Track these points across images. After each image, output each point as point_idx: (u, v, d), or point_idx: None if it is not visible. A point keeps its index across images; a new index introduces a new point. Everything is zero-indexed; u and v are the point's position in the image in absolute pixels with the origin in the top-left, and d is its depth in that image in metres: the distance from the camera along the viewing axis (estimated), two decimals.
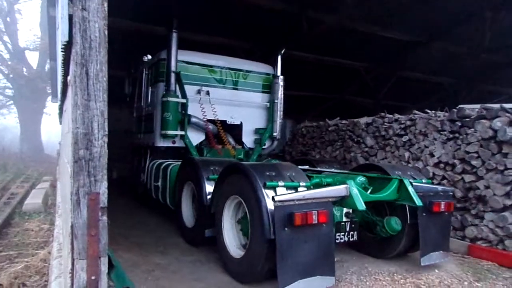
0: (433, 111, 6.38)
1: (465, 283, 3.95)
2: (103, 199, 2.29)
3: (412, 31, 10.05)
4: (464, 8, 8.90)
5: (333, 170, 5.20)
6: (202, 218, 4.62)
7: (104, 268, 2.27)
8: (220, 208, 4.11)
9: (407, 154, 6.41)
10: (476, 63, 12.37)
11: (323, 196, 3.38)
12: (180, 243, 5.07)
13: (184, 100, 6.43)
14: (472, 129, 5.39)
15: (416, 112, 6.71)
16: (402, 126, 6.65)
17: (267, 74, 7.51)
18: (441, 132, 5.89)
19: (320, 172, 4.89)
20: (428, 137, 6.10)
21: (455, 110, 5.80)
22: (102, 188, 2.30)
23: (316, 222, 3.21)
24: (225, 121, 6.99)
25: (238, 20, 8.82)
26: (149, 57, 7.39)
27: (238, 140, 7.25)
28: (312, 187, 3.64)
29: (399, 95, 14.61)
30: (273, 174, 3.61)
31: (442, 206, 4.05)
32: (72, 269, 2.25)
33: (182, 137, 6.53)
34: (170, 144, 6.67)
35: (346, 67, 12.50)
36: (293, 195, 3.26)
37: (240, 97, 7.16)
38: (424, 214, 4.03)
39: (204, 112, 6.67)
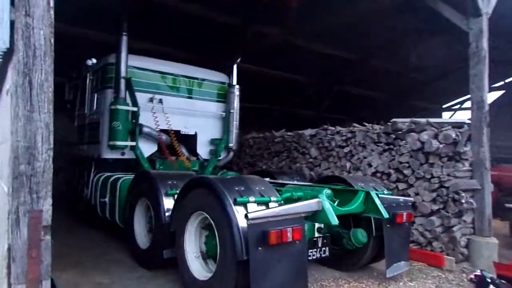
0: (371, 124, 6.86)
1: (400, 283, 4.28)
2: (47, 217, 2.17)
3: (350, 50, 11.24)
4: (394, 31, 10.04)
5: (296, 182, 5.12)
6: (159, 238, 4.25)
7: None
8: (182, 226, 3.80)
9: (348, 164, 6.83)
10: (405, 80, 14.37)
11: (296, 212, 3.25)
12: (123, 259, 4.81)
13: (135, 109, 5.99)
14: (404, 141, 5.90)
15: (356, 125, 7.16)
16: (344, 138, 7.07)
17: (222, 83, 7.31)
18: (378, 144, 6.38)
19: (284, 185, 4.77)
20: (366, 148, 6.57)
21: (389, 123, 6.29)
22: (46, 205, 2.18)
23: (290, 239, 3.06)
24: (179, 131, 6.65)
25: (184, 31, 8.95)
26: (94, 61, 6.83)
27: (193, 151, 6.93)
28: (282, 202, 3.49)
29: (338, 108, 15.82)
30: (242, 188, 3.41)
31: (405, 217, 4.13)
32: None
33: (133, 148, 6.06)
34: (119, 156, 6.16)
35: (290, 80, 13.29)
36: (267, 212, 3.09)
37: (194, 106, 6.87)
38: (388, 225, 4.08)
39: (157, 121, 6.27)
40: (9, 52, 2.21)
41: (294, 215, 3.23)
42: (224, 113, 7.15)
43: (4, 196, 2.35)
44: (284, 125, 9.81)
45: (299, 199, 3.64)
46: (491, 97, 17.84)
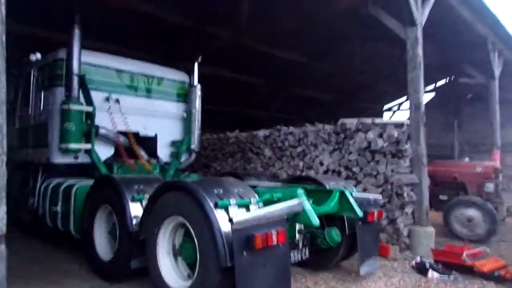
0: (322, 124, 7.18)
1: (353, 274, 4.50)
2: (1, 225, 2.08)
3: (298, 52, 11.89)
4: (339, 37, 10.95)
5: (266, 183, 5.04)
6: (125, 247, 3.95)
7: None
8: (154, 233, 3.55)
9: (301, 163, 7.12)
10: (350, 82, 15.57)
11: (279, 214, 3.17)
12: (75, 270, 4.61)
13: (90, 109, 5.54)
14: (352, 140, 6.26)
15: (308, 125, 7.45)
16: (296, 138, 7.34)
17: (182, 82, 7.03)
18: (328, 143, 6.73)
19: (254, 186, 4.67)
20: (318, 147, 6.89)
21: (338, 123, 6.70)
22: (0, 213, 2.08)
23: (275, 242, 2.97)
24: (138, 133, 6.28)
25: (137, 30, 8.70)
26: (39, 56, 6.23)
27: (153, 153, 6.58)
28: (262, 204, 3.39)
29: (288, 108, 16.73)
30: (221, 191, 3.26)
31: (376, 215, 4.23)
32: None
33: (88, 151, 5.60)
34: (71, 160, 5.65)
35: (243, 81, 13.78)
36: (252, 215, 2.97)
37: (154, 107, 6.53)
38: (360, 223, 4.15)
39: (114, 122, 5.86)
40: None
41: (277, 217, 3.16)
42: (185, 114, 6.88)
43: None
44: (237, 126, 9.90)
45: (278, 200, 3.56)
46: (424, 99, 19.78)
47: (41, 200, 5.69)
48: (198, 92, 6.94)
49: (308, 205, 3.42)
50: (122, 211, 3.96)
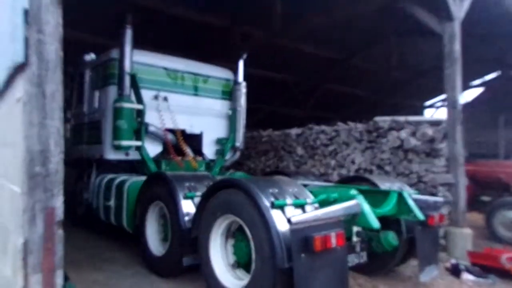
0: (354, 123, 7.15)
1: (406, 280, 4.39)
2: (59, 213, 2.40)
3: (334, 49, 11.75)
4: (375, 32, 10.74)
5: (317, 183, 4.91)
6: (177, 244, 3.99)
7: (59, 280, 2.36)
8: (206, 231, 3.54)
9: (333, 162, 7.19)
10: (387, 79, 15.08)
11: (337, 215, 3.04)
12: (118, 258, 4.92)
13: (140, 106, 5.67)
14: (385, 139, 6.25)
15: (340, 123, 7.46)
16: (328, 136, 7.40)
17: (227, 79, 7.04)
18: (361, 142, 6.71)
19: (305, 185, 4.56)
20: (350, 146, 6.92)
21: (371, 122, 6.70)
22: (58, 202, 2.41)
23: (334, 245, 2.85)
24: (184, 130, 6.36)
25: (175, 33, 9.33)
26: (93, 56, 6.49)
27: (198, 151, 6.65)
28: (318, 204, 3.28)
29: (324, 106, 16.41)
30: (276, 191, 3.19)
31: (437, 219, 3.97)
32: (25, 285, 2.27)
33: (138, 148, 5.74)
34: (123, 157, 5.83)
35: (277, 79, 13.71)
36: (310, 215, 2.87)
37: (200, 104, 6.59)
38: (419, 227, 3.91)
39: (163, 120, 5.97)
40: (22, 65, 2.42)
41: (335, 219, 3.03)
42: (230, 111, 6.89)
43: (13, 197, 2.55)
44: (271, 125, 9.91)
45: (334, 201, 3.43)
46: (471, 94, 18.59)
47: (95, 195, 5.90)
48: (243, 89, 6.93)
49: (367, 207, 3.27)
50: (174, 208, 4.00)
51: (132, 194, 4.94)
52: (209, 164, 6.63)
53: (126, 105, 5.54)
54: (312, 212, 2.95)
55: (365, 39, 11.29)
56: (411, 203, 3.75)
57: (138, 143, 5.66)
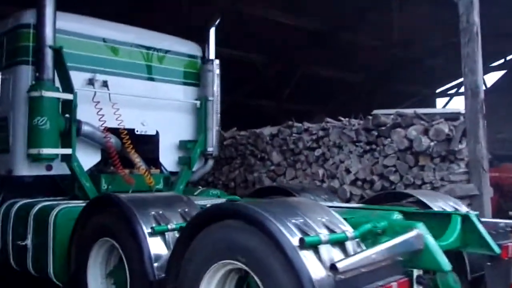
0: (347, 119, 7.30)
1: None
2: None
3: (317, 19, 11.64)
4: None
5: (336, 203, 4.72)
6: None
7: None
8: (192, 283, 3.21)
9: (321, 171, 7.31)
10: (387, 59, 15.07)
11: (392, 255, 2.85)
12: None
13: (70, 96, 5.24)
14: (389, 139, 6.35)
15: (329, 120, 7.58)
16: (314, 137, 7.49)
17: (193, 56, 6.79)
18: (357, 144, 6.85)
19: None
20: (343, 149, 7.03)
21: (370, 117, 6.77)
22: None
23: None
24: (133, 130, 6.01)
25: None
26: None
27: (153, 160, 6.31)
28: (359, 239, 3.05)
29: (304, 96, 16.17)
30: (301, 220, 2.92)
31: (511, 250, 3.87)
32: None
33: (66, 158, 5.30)
34: (43, 172, 5.37)
35: (240, 60, 13.09)
36: (359, 257, 2.64)
37: (155, 93, 6.30)
38: (489, 263, 3.79)
39: (101, 116, 5.56)
40: None
41: (391, 260, 2.84)
42: (198, 102, 6.60)
43: None
44: (234, 122, 9.71)
45: (383, 233, 3.22)
46: (490, 79, 19.06)
47: (2, 231, 5.39)
48: (216, 70, 6.70)
49: (432, 240, 3.08)
50: (135, 250, 3.65)
51: (63, 228, 4.56)
52: (169, 179, 6.38)
53: (48, 94, 5.09)
54: (362, 253, 2.71)
55: (359, 5, 11.21)
56: (482, 230, 3.62)
57: (67, 150, 5.25)
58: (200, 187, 6.93)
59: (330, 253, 2.80)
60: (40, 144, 5.06)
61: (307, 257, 2.70)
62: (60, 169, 5.42)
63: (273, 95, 15.40)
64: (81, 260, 4.22)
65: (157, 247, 3.65)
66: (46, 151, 5.08)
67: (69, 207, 4.79)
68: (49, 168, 5.38)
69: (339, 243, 2.91)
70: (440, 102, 21.87)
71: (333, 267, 2.52)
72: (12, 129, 5.38)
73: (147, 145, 6.24)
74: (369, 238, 3.15)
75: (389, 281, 2.68)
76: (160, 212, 3.87)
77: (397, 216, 3.70)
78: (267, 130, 8.51)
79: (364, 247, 2.96)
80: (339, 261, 2.58)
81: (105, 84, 5.75)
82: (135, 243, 3.66)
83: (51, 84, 5.16)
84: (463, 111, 6.28)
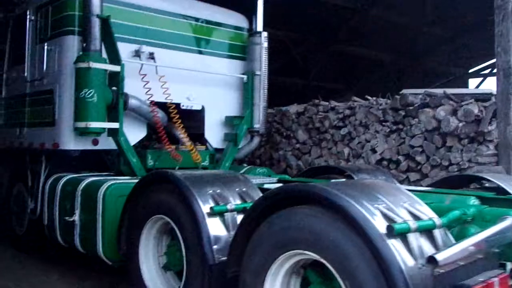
0: (374, 98, 7.31)
1: None
2: None
3: None
4: None
5: (409, 187, 4.40)
6: (199, 285, 3.42)
7: None
8: (258, 271, 2.97)
9: (346, 150, 7.32)
10: (419, 37, 14.70)
11: (489, 245, 2.55)
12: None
13: (117, 68, 5.03)
14: (416, 119, 6.36)
15: (356, 99, 7.62)
16: (340, 116, 7.50)
17: (239, 28, 6.52)
18: (384, 123, 6.86)
19: None
20: (369, 129, 7.05)
21: (397, 97, 6.79)
22: None
23: None
24: (179, 104, 5.79)
25: None
26: None
27: (198, 136, 6.12)
28: (446, 228, 2.75)
29: (333, 74, 16.05)
30: (383, 205, 2.63)
31: None
32: None
33: (113, 133, 5.12)
34: (89, 147, 5.22)
35: (270, 37, 12.83)
36: (457, 250, 2.34)
37: (202, 66, 6.03)
38: None
39: (148, 89, 5.34)
40: None
41: (486, 253, 2.55)
42: (245, 77, 6.33)
43: None
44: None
45: (472, 221, 2.91)
46: None
47: (46, 205, 5.30)
48: (264, 43, 6.46)
49: None
50: (194, 231, 3.44)
51: (113, 205, 4.40)
52: (214, 156, 6.20)
53: (96, 65, 4.91)
54: (461, 244, 2.40)
55: None
56: None
57: (114, 124, 5.06)
58: (245, 164, 6.71)
59: (419, 242, 2.51)
60: (87, 117, 4.90)
61: (396, 246, 2.42)
62: (106, 143, 5.27)
63: (302, 72, 15.25)
64: (133, 237, 4.06)
65: (216, 228, 3.42)
66: (93, 124, 4.92)
67: (118, 183, 4.62)
68: (95, 142, 5.23)
69: (427, 232, 2.61)
70: (473, 82, 21.22)
71: (431, 260, 2.23)
72: (58, 101, 5.24)
73: (193, 120, 6.04)
74: (455, 226, 2.85)
75: (489, 276, 2.39)
76: (218, 191, 3.63)
77: (474, 201, 3.43)
78: (293, 108, 8.49)
79: (451, 237, 2.66)
80: (436, 252, 2.30)
81: (151, 56, 5.55)
82: (194, 223, 3.44)
83: (99, 55, 4.97)
84: (494, 92, 6.22)
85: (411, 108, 6.46)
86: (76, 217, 4.77)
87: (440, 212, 2.83)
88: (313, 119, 7.87)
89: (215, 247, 3.35)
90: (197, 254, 3.42)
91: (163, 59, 5.61)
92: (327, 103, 7.93)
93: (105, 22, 4.99)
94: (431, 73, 17.45)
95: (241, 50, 6.45)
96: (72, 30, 5.17)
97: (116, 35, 5.14)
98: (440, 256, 2.23)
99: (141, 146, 5.66)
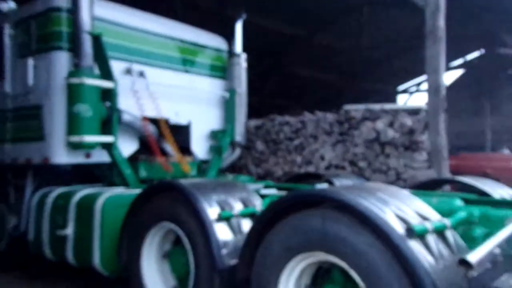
0: (322, 113, 7.54)
1: None
2: None
3: (295, 23, 12.00)
4: (344, 3, 11.00)
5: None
6: None
7: None
8: (267, 276, 2.74)
9: (299, 158, 7.58)
10: (356, 60, 15.46)
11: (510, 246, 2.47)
12: None
13: (110, 84, 4.67)
14: (358, 131, 6.60)
15: (307, 113, 7.79)
16: (293, 129, 7.77)
17: (219, 50, 6.29)
18: (330, 135, 7.13)
19: None
20: (318, 139, 7.33)
21: (341, 111, 7.13)
22: None
23: None
24: (168, 119, 5.53)
25: None
26: (12, 5, 5.33)
27: (184, 148, 5.81)
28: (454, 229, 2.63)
29: (283, 93, 16.85)
30: (393, 208, 2.48)
31: None
32: None
33: (107, 146, 4.75)
34: (82, 160, 4.80)
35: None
36: (485, 250, 2.19)
37: (187, 84, 5.80)
38: None
39: (141, 105, 5.04)
40: None
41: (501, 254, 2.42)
42: (227, 94, 6.13)
43: None
44: None
45: (476, 223, 2.81)
46: (451, 77, 19.41)
47: (32, 220, 4.78)
48: (243, 63, 6.25)
49: None
50: (202, 236, 3.16)
51: (111, 216, 4.00)
52: (200, 167, 5.95)
53: (89, 81, 4.51)
54: (487, 245, 2.25)
55: (333, 11, 11.32)
56: None
57: (109, 138, 4.67)
58: (227, 173, 6.46)
59: (437, 243, 2.37)
60: (81, 131, 4.50)
61: (415, 248, 2.26)
62: (99, 156, 4.88)
63: (256, 91, 15.70)
64: (134, 247, 3.70)
65: (224, 233, 3.16)
66: (88, 138, 4.52)
67: (116, 194, 4.25)
68: (88, 156, 4.82)
69: (439, 233, 2.48)
70: (401, 98, 22.15)
71: (463, 262, 2.07)
72: (48, 116, 4.72)
73: (180, 134, 5.74)
74: (460, 228, 2.74)
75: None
76: (223, 197, 3.39)
77: (459, 202, 3.31)
78: (252, 123, 8.59)
79: (459, 238, 2.53)
80: (469, 254, 2.14)
81: (142, 74, 5.23)
82: (202, 229, 3.16)
83: (91, 71, 4.59)
84: (424, 107, 6.42)
85: (353, 121, 6.73)
86: (69, 230, 4.31)
87: (441, 214, 2.73)
88: (270, 132, 8.15)
89: (223, 251, 3.09)
90: (206, 259, 3.14)
91: (152, 78, 5.31)
92: (281, 118, 8.17)
93: (96, 39, 4.64)
94: (366, 91, 18.23)
95: (221, 70, 6.24)
96: (58, 45, 4.68)
97: (108, 52, 4.81)
98: (473, 258, 2.08)
99: (131, 159, 5.30)
